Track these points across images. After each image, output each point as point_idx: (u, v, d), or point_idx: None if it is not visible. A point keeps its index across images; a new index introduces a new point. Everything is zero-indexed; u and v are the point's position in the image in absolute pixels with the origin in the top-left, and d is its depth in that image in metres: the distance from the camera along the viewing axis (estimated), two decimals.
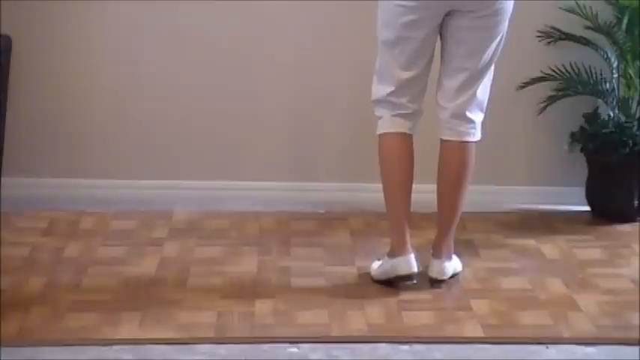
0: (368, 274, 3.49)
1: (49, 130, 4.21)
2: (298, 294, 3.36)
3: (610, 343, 3.11)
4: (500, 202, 4.22)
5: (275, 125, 4.25)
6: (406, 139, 3.38)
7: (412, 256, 3.39)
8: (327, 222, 4.00)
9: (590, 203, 4.16)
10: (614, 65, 4.09)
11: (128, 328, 3.10)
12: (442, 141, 3.39)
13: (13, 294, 3.30)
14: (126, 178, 4.23)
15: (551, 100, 4.13)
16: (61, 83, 4.17)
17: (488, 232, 3.93)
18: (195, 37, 4.16)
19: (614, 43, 4.01)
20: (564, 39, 4.11)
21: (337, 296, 3.34)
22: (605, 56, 4.09)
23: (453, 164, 3.38)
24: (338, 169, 4.29)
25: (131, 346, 3.00)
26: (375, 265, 3.48)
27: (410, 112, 3.37)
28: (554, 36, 4.13)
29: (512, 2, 3.28)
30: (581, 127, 4.09)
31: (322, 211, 4.11)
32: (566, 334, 3.15)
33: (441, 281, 3.44)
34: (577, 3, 4.05)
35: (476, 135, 3.38)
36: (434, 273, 3.44)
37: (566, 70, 4.12)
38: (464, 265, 3.56)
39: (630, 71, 4.04)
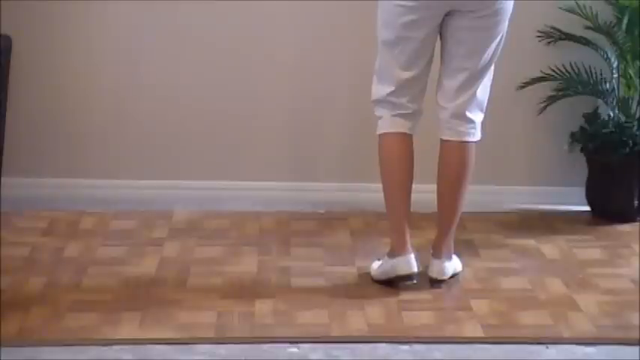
0: (368, 274, 3.49)
1: (49, 130, 4.21)
2: (298, 294, 3.36)
3: (610, 343, 3.11)
4: (500, 202, 4.22)
5: (275, 125, 4.25)
6: (406, 139, 3.38)
7: (412, 256, 3.39)
8: (327, 222, 4.00)
9: (590, 203, 4.16)
10: (614, 65, 4.09)
11: (128, 328, 3.10)
12: (442, 141, 3.39)
13: (13, 294, 3.30)
14: (126, 178, 4.23)
15: (551, 100, 4.13)
16: (61, 83, 4.17)
17: (488, 232, 3.93)
18: (195, 37, 4.16)
19: (614, 43, 4.01)
20: (564, 39, 4.11)
21: (337, 296, 3.34)
22: (605, 56, 4.09)
23: (453, 164, 3.38)
24: (338, 169, 4.29)
25: (131, 346, 3.00)
26: (375, 265, 3.48)
27: (410, 112, 3.37)
28: (554, 36, 4.13)
29: (512, 2, 3.28)
30: (581, 127, 4.09)
31: (322, 211, 4.11)
32: (566, 334, 3.15)
33: (441, 281, 3.44)
34: (577, 3, 4.05)
35: (476, 135, 3.38)
36: (434, 273, 3.44)
37: (566, 70, 4.12)
38: (464, 265, 3.56)
39: (630, 71, 4.04)
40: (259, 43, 4.16)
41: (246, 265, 3.58)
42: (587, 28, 4.05)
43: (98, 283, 3.41)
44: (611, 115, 4.08)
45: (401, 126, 3.37)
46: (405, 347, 3.05)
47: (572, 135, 4.10)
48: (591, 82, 4.10)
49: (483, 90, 3.37)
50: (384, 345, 3.06)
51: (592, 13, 4.01)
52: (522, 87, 4.13)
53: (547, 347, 3.08)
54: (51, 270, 3.49)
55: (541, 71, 4.12)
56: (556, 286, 3.47)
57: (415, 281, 3.40)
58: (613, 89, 4.10)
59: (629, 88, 4.07)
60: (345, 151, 4.27)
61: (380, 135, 3.40)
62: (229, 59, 4.18)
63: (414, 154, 3.39)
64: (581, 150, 4.10)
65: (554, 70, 4.12)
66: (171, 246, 3.73)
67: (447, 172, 3.39)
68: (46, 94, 4.17)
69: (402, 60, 3.31)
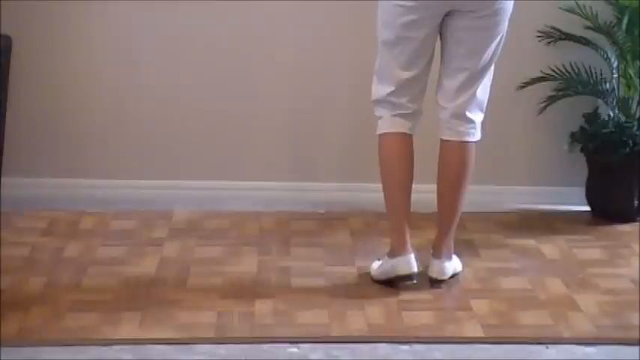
0: (368, 274, 3.49)
1: (49, 130, 4.21)
2: (298, 294, 3.36)
3: (610, 343, 3.11)
4: (500, 202, 4.22)
5: (275, 125, 4.25)
6: (406, 139, 3.38)
7: (412, 256, 3.39)
8: (327, 222, 4.00)
9: (590, 203, 4.16)
10: (614, 65, 4.09)
11: (128, 328, 3.10)
12: (442, 141, 3.39)
13: (13, 294, 3.30)
14: (126, 178, 4.23)
15: (551, 100, 4.13)
16: (61, 83, 4.17)
17: (488, 232, 3.93)
18: (195, 37, 4.16)
19: (614, 43, 4.01)
20: (564, 39, 4.11)
21: (337, 296, 3.34)
22: (605, 56, 4.09)
23: (453, 164, 3.38)
24: (338, 169, 4.29)
25: (131, 346, 3.00)
26: (375, 265, 3.48)
27: (410, 112, 3.37)
28: (554, 36, 4.13)
29: (512, 2, 3.28)
30: (581, 127, 4.09)
31: (322, 211, 4.11)
32: (566, 334, 3.15)
33: (441, 281, 3.44)
34: (577, 3, 4.05)
35: (476, 135, 3.38)
36: (434, 273, 3.44)
37: (566, 70, 4.12)
38: (464, 265, 3.56)
39: (630, 71, 4.04)
40: (259, 43, 4.16)
41: (246, 265, 3.58)
42: (587, 28, 4.05)
43: (98, 283, 3.41)
44: (611, 115, 4.08)
45: (401, 126, 3.37)
46: (405, 347, 3.05)
47: (572, 135, 4.10)
48: (591, 82, 4.10)
49: (483, 90, 3.37)
50: (384, 345, 3.06)
51: (592, 13, 4.01)
52: (522, 87, 4.13)
53: (547, 347, 3.08)
54: (51, 270, 3.49)
55: (541, 71, 4.12)
56: (556, 286, 3.47)
57: (415, 281, 3.40)
58: (613, 89, 4.10)
59: (629, 88, 4.07)
60: (345, 151, 4.27)
61: (380, 135, 3.40)
62: (229, 59, 4.18)
63: (414, 154, 3.39)
64: (581, 150, 4.10)
65: (554, 70, 4.12)
66: (171, 246, 3.73)
67: (447, 172, 3.39)
68: (46, 94, 4.17)
69: (402, 60, 3.31)
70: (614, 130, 3.99)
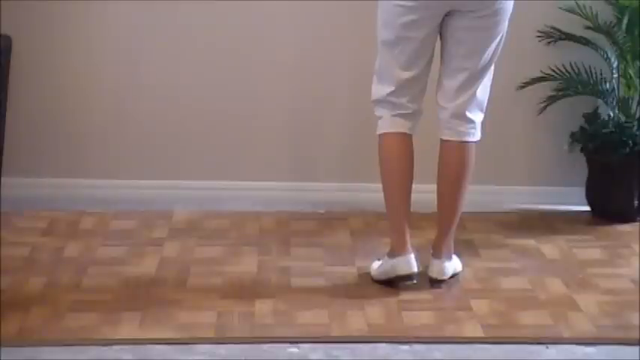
0: (368, 274, 3.49)
1: (49, 130, 4.21)
2: (298, 294, 3.36)
3: (610, 343, 3.11)
4: (500, 202, 4.22)
5: (275, 125, 4.25)
6: (406, 139, 3.38)
7: (412, 256, 3.39)
8: (327, 222, 4.00)
9: (590, 203, 4.16)
10: (614, 65, 4.09)
11: (128, 328, 3.10)
12: (442, 141, 3.39)
13: (13, 294, 3.30)
14: (126, 178, 4.23)
15: (551, 100, 4.13)
16: (61, 83, 4.17)
17: (488, 232, 3.93)
18: (195, 37, 4.16)
19: (614, 43, 4.01)
20: (564, 39, 4.11)
21: (337, 296, 3.34)
22: (605, 56, 4.09)
23: (453, 164, 3.38)
24: (338, 169, 4.29)
25: (131, 346, 3.00)
26: (375, 265, 3.48)
27: (410, 112, 3.37)
28: (554, 36, 4.13)
29: (512, 2, 3.28)
30: (581, 127, 4.09)
31: (322, 211, 4.11)
32: (566, 334, 3.14)
33: (441, 281, 3.44)
34: (577, 3, 4.05)
35: (476, 135, 3.38)
36: (434, 273, 3.44)
37: (566, 70, 4.12)
38: (464, 265, 3.56)
39: (630, 71, 4.04)
40: (259, 43, 4.16)
41: (246, 265, 3.58)
42: (587, 28, 4.05)
43: (98, 283, 3.41)
44: (611, 115, 4.08)
45: (401, 126, 3.37)
46: (405, 347, 3.05)
47: (572, 135, 4.10)
48: (591, 82, 4.10)
49: (483, 90, 3.37)
50: (384, 345, 3.06)
51: (592, 13, 4.02)
52: (522, 87, 4.13)
53: (547, 347, 3.08)
54: (51, 270, 3.49)
55: (541, 71, 4.12)
56: (556, 286, 3.47)
57: (415, 281, 3.40)
58: (613, 89, 4.10)
59: (629, 88, 4.07)
60: (345, 151, 4.27)
61: (380, 135, 3.40)
62: (229, 59, 4.18)
63: (414, 154, 3.39)
64: (581, 150, 4.10)
65: (554, 70, 4.12)
66: (171, 246, 3.73)
67: (446, 172, 3.39)
68: (46, 94, 4.17)
69: (402, 60, 3.31)
70: (614, 130, 3.99)
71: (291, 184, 4.25)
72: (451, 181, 3.39)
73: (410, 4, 3.21)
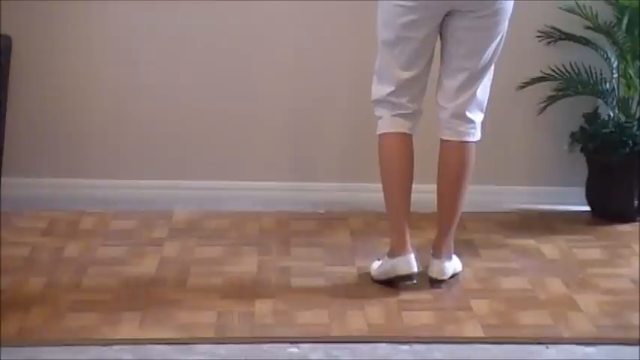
0: (368, 274, 3.49)
1: (49, 130, 4.21)
2: (298, 294, 3.36)
3: (610, 343, 3.11)
4: (500, 202, 4.22)
5: (275, 125, 4.25)
6: (406, 139, 3.38)
7: (412, 256, 3.39)
8: (327, 222, 4.00)
9: (590, 203, 4.16)
10: (614, 65, 4.09)
11: (128, 328, 3.10)
12: (442, 141, 3.39)
13: (13, 294, 3.30)
14: (126, 178, 4.23)
15: (551, 100, 4.13)
16: (61, 83, 4.17)
17: (488, 232, 3.93)
18: (195, 37, 4.16)
19: (614, 43, 4.01)
20: (564, 39, 4.11)
21: (337, 296, 3.34)
22: (605, 56, 4.09)
23: (453, 164, 3.38)
24: (338, 169, 4.29)
25: (131, 346, 3.00)
26: (375, 265, 3.48)
27: (410, 112, 3.37)
28: (554, 36, 4.13)
29: (512, 2, 3.28)
30: (581, 127, 4.09)
31: (322, 211, 4.11)
32: (566, 334, 3.14)
33: (441, 281, 3.44)
34: (577, 3, 4.05)
35: (476, 135, 3.38)
36: (434, 273, 3.44)
37: (566, 70, 4.12)
38: (464, 265, 3.56)
39: (630, 71, 4.04)
40: (259, 43, 4.16)
41: (246, 265, 3.58)
42: (587, 28, 4.05)
43: (98, 283, 3.41)
44: (611, 115, 4.08)
45: (401, 126, 3.37)
46: (405, 347, 3.05)
47: (572, 135, 4.10)
48: (591, 82, 4.10)
49: (483, 90, 3.37)
50: (384, 345, 3.06)
51: (592, 13, 4.02)
52: (522, 87, 4.13)
53: (547, 347, 3.08)
54: (51, 270, 3.49)
55: (541, 71, 4.12)
56: (556, 286, 3.47)
57: (415, 281, 3.40)
58: (613, 89, 4.10)
59: (629, 88, 4.07)
60: (345, 151, 4.27)
61: (380, 135, 3.40)
62: (229, 59, 4.18)
63: (414, 154, 3.39)
64: (581, 150, 4.10)
65: (554, 70, 4.12)
66: (171, 246, 3.73)
67: (446, 172, 3.39)
68: (46, 94, 4.17)
69: (402, 60, 3.31)
70: (614, 130, 3.99)
71: (291, 184, 4.25)
72: (451, 181, 3.39)
73: (410, 4, 3.21)
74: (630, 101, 4.07)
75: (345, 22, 4.12)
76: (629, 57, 4.02)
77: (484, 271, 3.58)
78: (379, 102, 3.39)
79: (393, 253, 3.41)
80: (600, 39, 4.06)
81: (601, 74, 4.11)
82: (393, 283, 3.40)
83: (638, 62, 4.03)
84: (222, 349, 3.00)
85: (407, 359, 3.00)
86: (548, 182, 4.30)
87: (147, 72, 4.18)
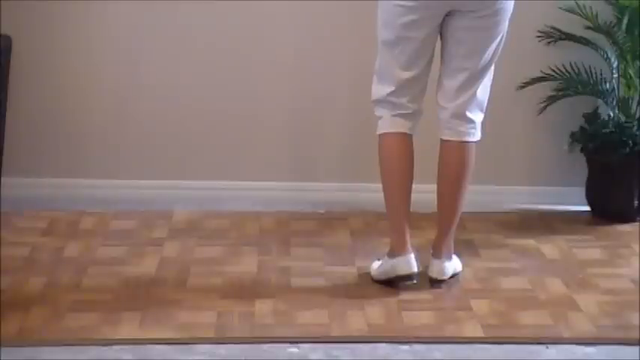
0: (368, 274, 3.49)
1: (49, 130, 4.21)
2: (298, 294, 3.36)
3: (610, 343, 3.11)
4: (500, 202, 4.22)
5: (275, 125, 4.25)
6: (406, 139, 3.38)
7: (412, 256, 3.39)
8: (327, 222, 4.00)
9: (590, 203, 4.16)
10: (614, 65, 4.09)
11: (128, 328, 3.10)
12: (442, 141, 3.39)
13: (13, 294, 3.30)
14: (126, 178, 4.23)
15: (551, 100, 4.13)
16: (61, 83, 4.17)
17: (488, 232, 3.93)
18: (195, 37, 4.16)
19: (614, 43, 4.01)
20: (564, 39, 4.11)
21: (337, 296, 3.34)
22: (605, 56, 4.09)
23: (453, 164, 3.38)
24: (338, 169, 4.29)
25: (131, 346, 3.00)
26: (375, 265, 3.48)
27: (410, 112, 3.37)
28: (554, 36, 4.13)
29: (512, 2, 3.28)
30: (581, 127, 4.09)
31: (322, 211, 4.11)
32: (566, 334, 3.14)
33: (441, 281, 3.44)
34: (577, 3, 4.05)
35: (476, 135, 3.38)
36: (434, 273, 3.44)
37: (566, 70, 4.12)
38: (464, 265, 3.56)
39: (630, 71, 4.04)
40: (259, 43, 4.16)
41: (246, 265, 3.58)
42: (587, 28, 4.05)
43: (98, 283, 3.41)
44: (611, 115, 4.08)
45: (401, 126, 3.37)
46: (405, 347, 3.05)
47: (572, 135, 4.10)
48: (591, 82, 4.10)
49: (483, 90, 3.37)
50: (384, 345, 3.06)
51: (592, 13, 4.02)
52: (522, 87, 4.13)
53: (547, 347, 3.08)
54: (51, 270, 3.49)
55: (541, 71, 4.12)
56: (556, 286, 3.47)
57: (415, 281, 3.40)
58: (613, 89, 4.10)
59: (629, 88, 4.07)
60: (345, 151, 4.27)
61: (380, 135, 3.40)
62: (229, 59, 4.18)
63: (414, 154, 3.39)
64: (581, 150, 4.10)
65: (554, 70, 4.12)
66: (171, 246, 3.73)
67: (446, 172, 3.39)
68: (46, 94, 4.17)
69: (402, 60, 3.31)
70: (614, 130, 3.99)
71: (291, 184, 4.25)
72: (451, 181, 3.39)
73: (410, 4, 3.21)
74: (630, 101, 4.07)
75: (345, 22, 4.12)
76: (629, 57, 4.02)
77: (484, 271, 3.58)
78: (379, 102, 3.39)
79: (393, 253, 3.41)
80: (600, 39, 4.06)
81: (601, 74, 4.11)
82: (393, 283, 3.40)
83: (638, 62, 4.03)
84: (222, 349, 3.00)
85: (407, 359, 3.00)
86: (548, 182, 4.30)
87: (147, 72, 4.18)
